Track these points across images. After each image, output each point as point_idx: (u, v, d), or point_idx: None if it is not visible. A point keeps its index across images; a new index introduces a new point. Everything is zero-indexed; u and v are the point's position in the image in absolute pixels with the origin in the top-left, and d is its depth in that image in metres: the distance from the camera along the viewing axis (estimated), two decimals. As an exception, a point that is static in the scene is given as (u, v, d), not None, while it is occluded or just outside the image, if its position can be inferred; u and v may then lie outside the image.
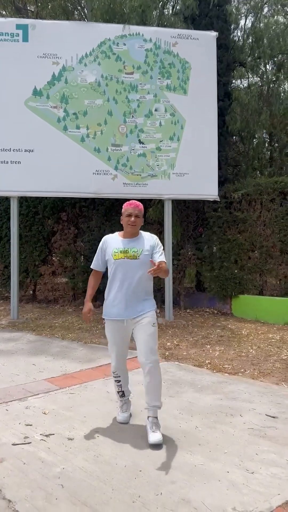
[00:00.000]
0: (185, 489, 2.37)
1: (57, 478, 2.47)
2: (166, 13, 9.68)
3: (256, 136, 10.73)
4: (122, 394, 3.26)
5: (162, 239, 6.78)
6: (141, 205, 3.12)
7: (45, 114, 6.77)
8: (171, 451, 2.79)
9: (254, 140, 10.89)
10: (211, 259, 7.93)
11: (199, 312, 7.76)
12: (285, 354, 5.13)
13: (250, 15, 10.38)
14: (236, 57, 9.32)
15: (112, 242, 3.13)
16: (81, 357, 4.95)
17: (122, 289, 3.03)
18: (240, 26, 10.30)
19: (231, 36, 9.13)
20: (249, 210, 7.61)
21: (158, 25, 8.72)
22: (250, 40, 9.98)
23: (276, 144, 11.34)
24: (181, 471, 2.55)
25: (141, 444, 2.83)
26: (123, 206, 3.11)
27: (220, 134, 7.54)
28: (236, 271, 7.62)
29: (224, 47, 8.13)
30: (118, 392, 3.26)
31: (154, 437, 2.84)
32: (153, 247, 3.08)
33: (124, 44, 6.94)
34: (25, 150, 6.76)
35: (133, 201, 3.11)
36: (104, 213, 8.12)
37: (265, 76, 10.26)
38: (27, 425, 3.16)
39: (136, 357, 3.12)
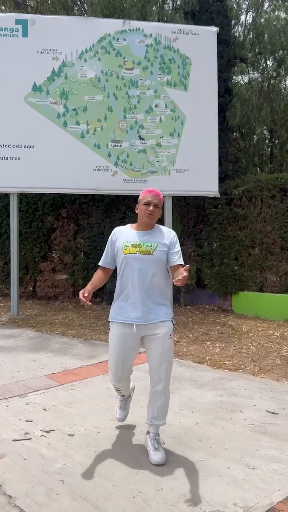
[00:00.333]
0: (186, 485, 2.36)
1: (58, 473, 2.47)
2: (166, 8, 9.64)
3: (257, 132, 10.70)
4: (122, 394, 3.00)
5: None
6: (161, 194, 2.76)
7: (45, 110, 6.74)
8: (172, 447, 2.79)
9: (254, 137, 10.85)
10: (211, 255, 7.92)
11: (199, 309, 7.76)
12: (285, 350, 5.13)
13: (251, 10, 10.32)
14: (236, 53, 9.28)
15: (124, 234, 2.74)
16: (81, 354, 4.95)
17: (133, 288, 2.63)
18: (240, 22, 10.25)
19: (232, 31, 9.08)
20: (250, 207, 7.59)
21: (158, 21, 8.68)
22: (251, 36, 9.93)
23: (277, 141, 11.30)
24: (182, 467, 2.55)
25: (141, 440, 2.83)
26: (141, 193, 2.74)
27: (220, 130, 7.52)
28: (236, 267, 7.61)
29: (224, 42, 8.09)
30: (117, 391, 3.00)
31: (157, 456, 2.60)
32: (171, 245, 2.70)
33: (124, 40, 6.90)
34: (25, 146, 6.73)
35: (153, 188, 2.76)
36: (104, 210, 8.10)
37: (265, 72, 10.21)
38: (28, 421, 3.16)
39: (140, 352, 3.10)
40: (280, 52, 9.78)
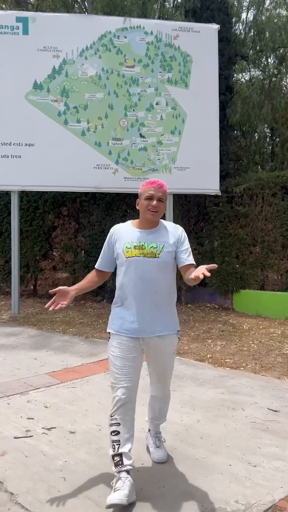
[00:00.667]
0: (188, 482, 2.36)
1: (59, 471, 2.47)
2: (167, 6, 9.62)
3: (258, 130, 10.67)
4: (119, 460, 2.18)
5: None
6: (165, 185, 2.37)
7: (45, 107, 6.73)
8: (173, 444, 2.78)
9: (255, 135, 10.82)
10: (212, 254, 7.91)
11: (200, 307, 7.76)
12: (286, 348, 5.12)
13: (252, 8, 10.29)
14: (237, 51, 9.25)
15: (124, 233, 2.37)
16: (82, 352, 4.94)
17: (136, 296, 2.29)
18: (241, 19, 10.22)
19: (233, 29, 9.05)
20: (251, 205, 7.58)
21: (159, 18, 8.67)
22: (252, 33, 9.89)
23: (278, 139, 11.27)
24: (184, 464, 2.55)
25: (143, 437, 2.83)
26: (141, 186, 2.37)
27: (221, 128, 7.50)
28: (237, 266, 7.60)
29: (225, 40, 8.06)
30: (114, 455, 2.20)
31: (159, 454, 2.54)
32: (178, 243, 2.36)
33: (125, 37, 6.88)
34: (26, 144, 6.72)
35: (155, 179, 2.37)
36: (105, 208, 8.09)
37: (266, 70, 10.18)
38: (29, 418, 3.16)
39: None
40: (281, 50, 9.75)
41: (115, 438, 2.20)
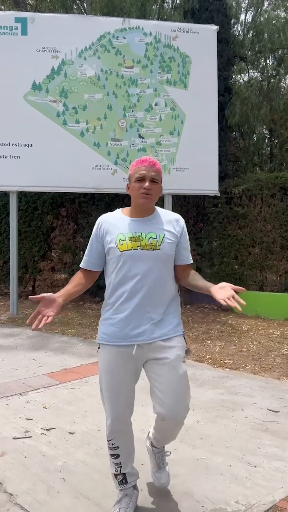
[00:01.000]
0: (188, 483, 2.35)
1: (59, 471, 2.46)
2: (166, 7, 9.64)
3: (256, 131, 10.69)
4: (123, 479, 2.06)
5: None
6: (158, 164, 2.01)
7: (44, 108, 6.72)
8: (173, 445, 2.77)
9: (254, 136, 10.85)
10: (211, 254, 7.91)
11: (199, 308, 7.75)
12: (285, 349, 5.12)
13: (251, 9, 10.32)
14: (236, 52, 9.26)
15: (115, 224, 2.02)
16: (81, 352, 4.93)
17: (132, 296, 1.95)
18: (240, 20, 10.25)
19: (232, 30, 9.07)
20: (250, 206, 7.58)
21: (158, 19, 8.69)
22: (251, 35, 9.93)
23: (276, 140, 11.30)
24: (184, 465, 2.54)
25: (143, 438, 2.81)
26: (131, 166, 2.04)
27: (220, 129, 7.50)
28: (236, 266, 7.60)
29: (224, 41, 8.07)
30: (116, 474, 2.07)
31: (164, 477, 2.19)
32: (181, 236, 2.04)
33: (124, 38, 6.88)
34: (24, 145, 6.71)
35: (147, 157, 2.02)
36: (103, 209, 8.08)
37: (265, 71, 10.21)
38: (28, 419, 3.15)
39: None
40: (280, 51, 9.78)
41: (116, 461, 2.05)
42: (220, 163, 7.46)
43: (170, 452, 2.37)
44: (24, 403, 3.44)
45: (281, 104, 9.20)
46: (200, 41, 7.09)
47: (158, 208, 2.10)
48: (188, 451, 2.70)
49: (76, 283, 2.05)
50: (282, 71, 10.05)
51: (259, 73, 10.58)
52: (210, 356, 4.80)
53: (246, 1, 10.29)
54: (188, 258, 2.09)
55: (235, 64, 9.84)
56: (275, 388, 3.83)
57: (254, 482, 2.36)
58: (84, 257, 2.12)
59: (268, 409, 3.34)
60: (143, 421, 2.76)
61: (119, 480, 2.07)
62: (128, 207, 2.08)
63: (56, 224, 8.52)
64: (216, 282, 1.93)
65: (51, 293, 1.91)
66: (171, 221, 2.05)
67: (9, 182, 6.76)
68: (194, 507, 2.14)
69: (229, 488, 2.31)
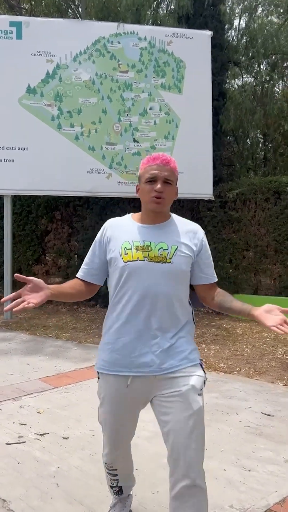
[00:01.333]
0: (182, 488, 2.34)
1: (52, 477, 2.44)
2: (160, 12, 9.70)
3: (250, 136, 10.76)
4: (119, 490, 2.00)
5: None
6: (174, 161, 1.73)
7: (39, 112, 6.73)
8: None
9: (248, 140, 10.92)
10: (205, 258, 7.92)
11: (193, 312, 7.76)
12: (280, 352, 5.13)
13: (244, 15, 10.41)
14: (230, 57, 9.33)
15: (122, 230, 1.75)
16: (75, 357, 4.91)
17: (138, 316, 1.66)
18: (234, 26, 10.34)
19: (226, 36, 9.14)
20: (244, 210, 7.62)
21: (152, 24, 8.72)
22: (244, 40, 10.02)
23: (270, 144, 11.38)
24: (178, 469, 2.53)
25: (137, 443, 2.81)
26: (141, 164, 1.78)
27: (214, 134, 7.54)
28: (231, 270, 7.62)
29: (218, 46, 8.12)
30: (112, 487, 1.99)
31: None
32: (199, 250, 1.75)
33: (119, 43, 6.92)
34: (19, 148, 6.71)
35: (160, 153, 1.73)
36: (98, 212, 8.08)
37: (259, 76, 10.30)
38: (21, 424, 3.12)
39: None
40: (273, 57, 9.87)
41: (114, 478, 1.95)
42: (214, 167, 7.50)
43: None
44: (17, 408, 3.41)
45: (275, 109, 9.28)
46: (194, 46, 7.14)
47: (174, 216, 1.80)
48: (183, 455, 2.69)
49: (72, 286, 1.79)
50: (276, 76, 10.15)
51: (253, 78, 10.67)
52: (204, 360, 4.79)
53: (240, 7, 10.39)
54: (211, 277, 1.81)
55: (229, 69, 9.91)
56: (269, 391, 3.84)
57: (249, 486, 2.36)
58: (82, 266, 1.82)
59: (262, 413, 3.34)
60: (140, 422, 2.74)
61: (115, 491, 2.01)
62: (138, 213, 1.81)
63: (50, 227, 8.50)
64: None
65: (41, 280, 1.63)
66: (187, 233, 1.74)
67: (3, 185, 6.75)
68: None
69: (224, 492, 2.30)
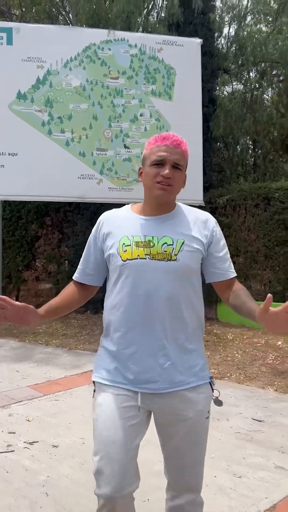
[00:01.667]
0: (173, 495, 2.33)
1: (42, 486, 2.41)
2: (151, 19, 9.76)
3: (240, 142, 10.86)
4: None
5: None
6: (185, 144, 1.50)
7: (29, 117, 6.71)
8: (158, 456, 2.75)
9: (238, 147, 11.01)
10: (196, 264, 7.94)
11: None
12: (270, 358, 5.15)
13: (234, 23, 10.54)
14: (220, 64, 9.42)
15: (120, 223, 1.54)
16: (65, 363, 4.88)
17: (139, 323, 1.47)
18: (224, 34, 10.43)
19: (215, 43, 9.24)
20: (234, 216, 7.67)
21: (143, 31, 8.78)
22: (234, 48, 10.12)
23: (260, 151, 11.49)
24: (168, 476, 2.52)
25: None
26: (147, 144, 1.52)
27: (204, 140, 7.59)
28: (221, 276, 7.64)
29: (208, 54, 8.21)
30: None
31: None
32: (211, 242, 1.54)
33: (109, 49, 6.94)
34: (9, 154, 6.67)
35: (169, 133, 1.49)
36: (89, 218, 8.07)
37: (248, 83, 10.41)
38: (10, 432, 3.09)
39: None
40: (262, 64, 9.98)
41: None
42: (204, 173, 7.54)
43: None
44: (6, 416, 3.37)
45: (264, 116, 9.38)
46: (184, 54, 7.20)
47: (180, 204, 1.59)
48: (173, 462, 2.68)
49: (64, 296, 1.64)
50: (265, 84, 10.26)
51: (242, 86, 10.78)
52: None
53: (229, 16, 10.51)
54: (228, 271, 1.56)
55: (219, 76, 10.01)
56: (260, 397, 3.84)
57: (239, 493, 2.35)
58: (78, 267, 1.65)
59: (253, 419, 3.34)
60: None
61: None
62: (139, 203, 1.58)
63: (40, 233, 8.46)
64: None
65: (29, 306, 1.55)
66: (196, 223, 1.53)
67: (-7, 191, 6.71)
68: (179, 519, 2.12)
69: (214, 499, 2.29)
